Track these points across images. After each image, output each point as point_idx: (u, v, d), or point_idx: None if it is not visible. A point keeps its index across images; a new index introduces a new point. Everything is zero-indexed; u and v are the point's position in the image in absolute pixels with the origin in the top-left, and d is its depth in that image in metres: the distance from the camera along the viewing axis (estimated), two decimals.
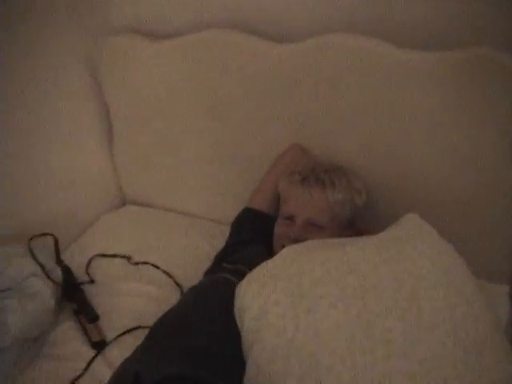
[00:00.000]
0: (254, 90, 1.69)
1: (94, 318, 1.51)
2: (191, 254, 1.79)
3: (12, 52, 1.60)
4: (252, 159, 1.80)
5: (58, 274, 1.57)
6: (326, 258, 1.26)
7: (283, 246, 1.41)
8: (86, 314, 1.52)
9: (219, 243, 1.72)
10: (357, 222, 1.57)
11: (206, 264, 1.63)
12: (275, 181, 1.65)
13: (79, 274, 1.70)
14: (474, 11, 1.40)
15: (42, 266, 1.53)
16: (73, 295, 1.59)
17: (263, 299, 1.21)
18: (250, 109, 1.72)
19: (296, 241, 1.42)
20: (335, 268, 1.22)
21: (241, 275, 1.36)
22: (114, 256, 1.77)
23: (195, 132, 1.85)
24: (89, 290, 1.64)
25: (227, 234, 1.71)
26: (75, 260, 1.76)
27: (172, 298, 1.60)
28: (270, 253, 1.52)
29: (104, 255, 1.78)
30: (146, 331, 1.36)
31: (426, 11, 1.46)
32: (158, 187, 2.05)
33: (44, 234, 1.68)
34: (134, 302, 1.61)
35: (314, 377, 1.05)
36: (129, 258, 1.75)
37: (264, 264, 1.32)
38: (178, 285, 1.67)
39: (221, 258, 1.57)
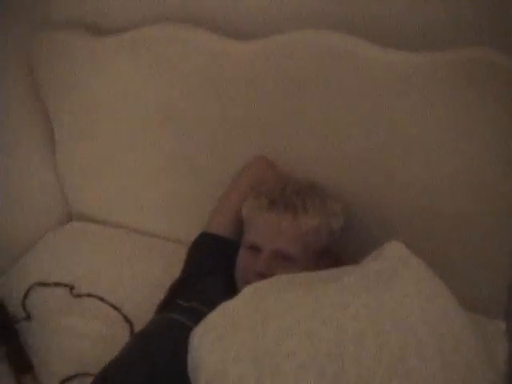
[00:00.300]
0: (211, 93, 1.47)
1: (26, 368, 1.29)
2: (144, 282, 1.57)
3: None
4: (213, 171, 1.59)
5: None
6: (296, 301, 1.06)
7: (247, 282, 1.21)
8: (19, 363, 1.30)
9: (176, 269, 1.48)
10: (333, 248, 1.36)
11: (161, 295, 1.41)
12: (237, 200, 1.43)
13: (15, 307, 1.47)
14: (466, 8, 1.22)
15: None
16: (5, 337, 1.36)
17: (221, 354, 1.00)
18: (208, 115, 1.50)
19: (262, 275, 1.22)
20: (307, 316, 1.02)
21: (196, 316, 1.16)
22: (56, 285, 1.55)
23: (148, 139, 1.63)
24: (25, 327, 1.42)
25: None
26: (11, 290, 1.53)
27: (121, 336, 1.40)
28: (233, 287, 1.32)
29: (44, 284, 1.55)
30: (90, 380, 1.18)
31: (411, 7, 1.27)
32: (108, 201, 1.82)
33: None
34: (76, 342, 1.40)
35: None
36: (71, 289, 1.52)
37: (223, 307, 1.11)
38: (127, 321, 1.45)
39: (175, 293, 1.36)
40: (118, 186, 1.76)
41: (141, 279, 1.58)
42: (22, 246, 1.73)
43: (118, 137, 1.67)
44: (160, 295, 1.41)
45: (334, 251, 1.36)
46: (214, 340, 1.03)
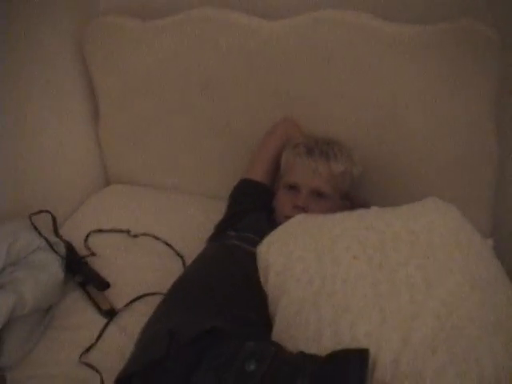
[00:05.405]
0: (245, 67, 1.74)
1: (105, 285, 1.53)
2: (188, 226, 1.83)
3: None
4: (243, 134, 1.86)
5: (61, 247, 1.57)
6: (341, 218, 1.35)
7: (287, 217, 1.47)
8: (96, 283, 1.54)
9: (215, 216, 1.72)
10: (352, 193, 1.68)
11: (205, 234, 1.65)
12: (272, 152, 1.73)
13: (78, 248, 1.69)
14: None
15: (47, 240, 1.54)
16: (77, 268, 1.59)
17: (287, 256, 1.28)
18: (242, 84, 1.77)
19: (301, 209, 1.51)
20: (352, 226, 1.31)
21: (250, 242, 1.43)
22: (112, 231, 1.79)
23: (185, 108, 1.88)
24: (91, 263, 1.64)
25: (221, 208, 1.72)
26: (72, 236, 1.72)
27: (174, 268, 1.63)
28: (273, 222, 1.57)
29: (101, 230, 1.79)
30: (155, 298, 1.42)
31: None
32: (146, 165, 2.07)
33: (41, 211, 1.64)
34: (136, 272, 1.63)
35: (347, 319, 1.11)
36: (128, 232, 1.77)
37: (281, 227, 1.39)
38: (179, 255, 1.71)
39: (224, 227, 1.60)
40: (156, 152, 2.02)
41: (186, 224, 1.84)
42: (70, 205, 1.96)
43: (158, 108, 1.92)
44: (205, 235, 1.65)
45: (353, 196, 1.68)
46: (279, 247, 1.31)
